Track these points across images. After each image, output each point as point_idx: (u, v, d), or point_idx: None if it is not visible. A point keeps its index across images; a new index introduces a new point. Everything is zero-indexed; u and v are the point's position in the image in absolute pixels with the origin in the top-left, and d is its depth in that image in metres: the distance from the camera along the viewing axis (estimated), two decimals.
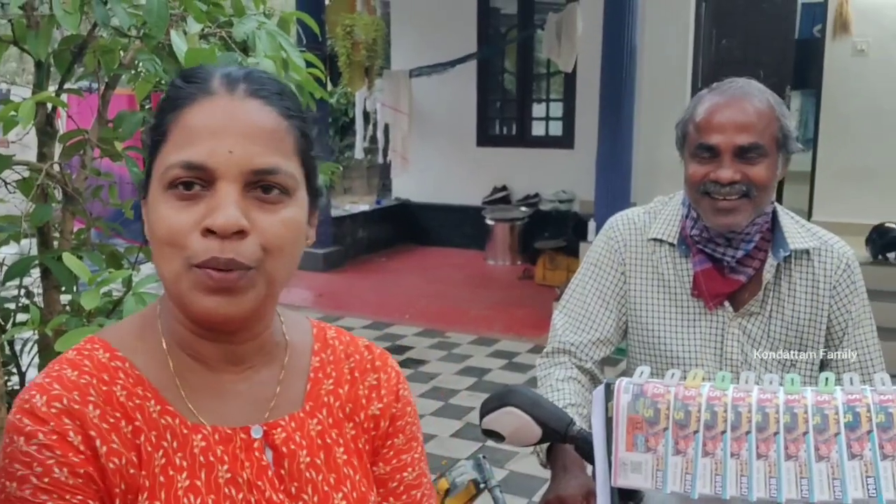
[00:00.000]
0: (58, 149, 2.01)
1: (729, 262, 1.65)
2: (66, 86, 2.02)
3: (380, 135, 8.66)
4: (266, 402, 0.89)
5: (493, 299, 6.93)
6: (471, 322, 6.27)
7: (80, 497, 0.78)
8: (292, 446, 0.87)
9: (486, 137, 8.99)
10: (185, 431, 0.84)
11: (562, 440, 1.34)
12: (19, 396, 0.81)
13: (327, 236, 7.78)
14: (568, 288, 1.83)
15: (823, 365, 1.70)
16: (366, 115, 8.56)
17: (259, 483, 0.84)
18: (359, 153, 8.86)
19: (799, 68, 7.24)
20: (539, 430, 1.33)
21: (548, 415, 1.33)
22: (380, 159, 9.17)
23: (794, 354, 1.67)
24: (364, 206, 9.19)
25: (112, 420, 0.82)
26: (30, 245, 2.14)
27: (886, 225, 5.98)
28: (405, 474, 0.98)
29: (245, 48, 2.13)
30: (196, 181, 0.79)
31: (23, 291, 2.13)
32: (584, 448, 1.30)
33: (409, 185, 9.32)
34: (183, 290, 0.79)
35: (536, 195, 8.59)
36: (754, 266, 1.66)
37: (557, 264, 7.29)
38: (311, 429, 0.89)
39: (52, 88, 1.98)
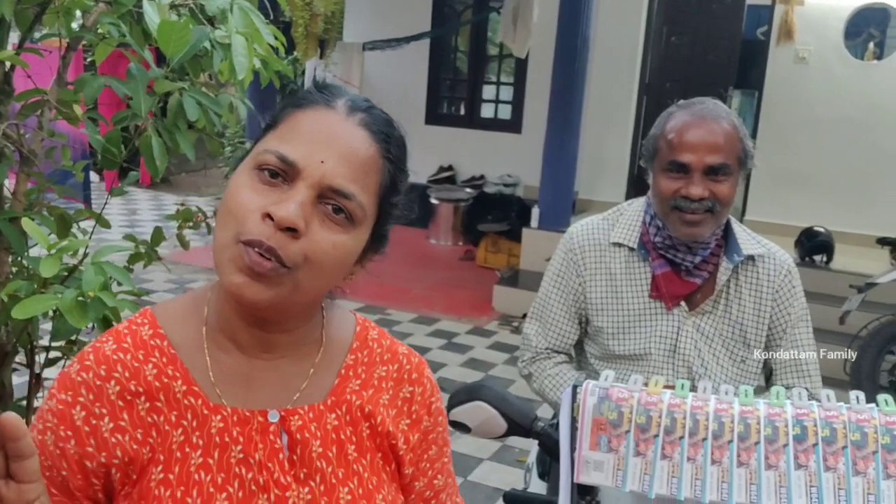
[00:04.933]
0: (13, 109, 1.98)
1: (687, 266, 1.75)
2: (27, 45, 1.99)
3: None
4: (291, 391, 0.92)
5: (434, 279, 6.99)
6: (412, 301, 6.32)
7: (65, 465, 0.85)
8: (307, 435, 0.90)
9: (434, 116, 8.99)
10: (206, 412, 0.88)
11: (525, 435, 1.41)
12: (77, 355, 0.90)
13: None
14: (536, 298, 1.95)
15: (766, 363, 1.83)
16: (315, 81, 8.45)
17: (269, 465, 0.88)
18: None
19: (742, 68, 7.44)
20: (505, 424, 1.39)
21: (514, 410, 1.40)
22: None
23: (741, 351, 1.79)
24: None
25: (129, 398, 0.87)
26: None
27: (815, 229, 6.22)
28: (436, 482, 1.03)
29: (212, 21, 2.12)
30: (281, 173, 0.84)
31: None
32: (548, 444, 1.37)
33: None
34: (223, 259, 0.83)
35: (482, 177, 8.65)
36: (709, 270, 1.78)
37: (499, 248, 7.39)
38: (328, 422, 0.93)
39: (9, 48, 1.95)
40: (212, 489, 0.85)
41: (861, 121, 6.95)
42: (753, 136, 7.47)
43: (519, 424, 1.39)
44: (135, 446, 0.86)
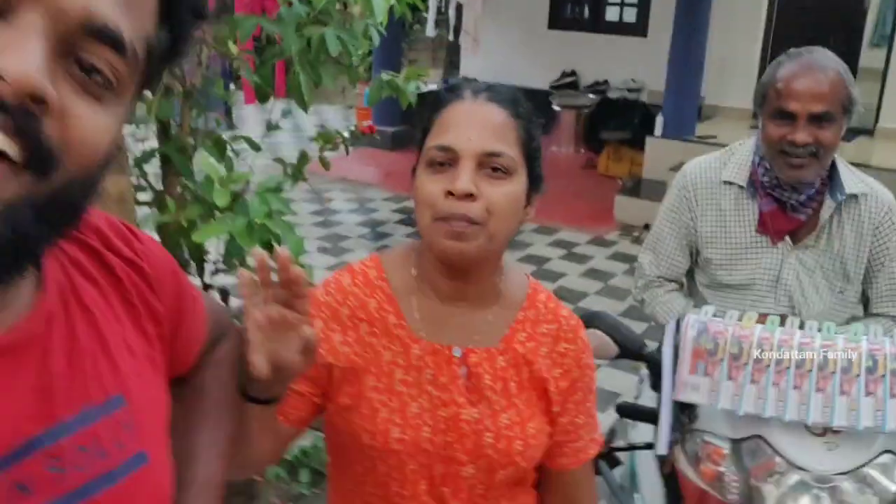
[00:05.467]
0: None
1: (793, 204, 1.90)
2: None
3: (451, 12, 8.67)
4: (472, 334, 1.19)
5: (555, 188, 7.04)
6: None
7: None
8: (480, 370, 1.18)
9: (558, 20, 8.94)
10: (409, 342, 1.17)
11: (635, 358, 1.66)
12: (323, 282, 1.21)
13: (396, 115, 7.98)
14: (651, 231, 2.13)
15: (864, 293, 1.98)
16: None
17: (450, 387, 1.16)
18: (430, 31, 8.90)
19: None
20: (616, 349, 1.64)
21: (624, 337, 1.64)
22: (449, 36, 9.21)
23: (840, 283, 1.95)
24: (432, 85, 9.31)
25: (356, 321, 1.16)
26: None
27: None
28: (578, 419, 1.26)
29: None
30: (446, 161, 1.10)
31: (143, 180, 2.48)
32: (655, 367, 1.62)
33: (477, 65, 9.37)
34: (432, 235, 1.10)
35: (605, 82, 8.61)
36: (813, 207, 1.92)
37: (621, 156, 7.42)
38: (497, 363, 1.19)
39: None
40: (408, 399, 1.15)
41: None
42: (891, 40, 7.10)
43: (629, 349, 1.64)
44: (355, 358, 1.16)
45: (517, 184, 1.12)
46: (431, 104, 1.16)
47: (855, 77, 6.93)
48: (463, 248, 1.09)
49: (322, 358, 1.13)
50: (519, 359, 1.20)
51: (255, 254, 0.92)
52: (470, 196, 1.07)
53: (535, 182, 1.17)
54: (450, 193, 1.07)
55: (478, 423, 1.16)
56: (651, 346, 1.73)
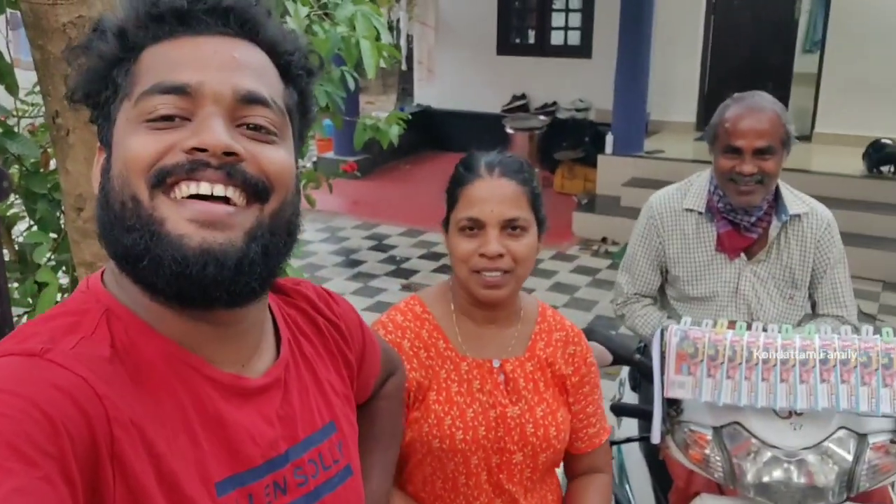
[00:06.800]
0: None
1: (745, 225, 2.22)
2: None
3: (402, 42, 8.96)
4: (504, 347, 1.49)
5: None
6: None
7: None
8: (515, 375, 1.47)
9: (506, 46, 9.31)
10: (458, 360, 1.45)
11: (627, 363, 1.95)
12: (380, 322, 1.47)
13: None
14: (626, 255, 2.43)
15: (811, 297, 2.31)
16: (389, 24, 8.83)
17: (495, 392, 1.44)
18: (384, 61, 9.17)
19: None
20: (611, 357, 1.93)
21: (618, 346, 1.93)
22: (402, 66, 9.49)
23: (790, 290, 2.27)
24: (383, 113, 9.57)
25: (415, 349, 1.44)
26: None
27: (882, 140, 6.40)
28: (589, 409, 1.56)
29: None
30: (475, 226, 1.39)
31: None
32: (643, 370, 1.91)
33: (431, 92, 9.69)
34: (470, 284, 1.41)
35: (554, 104, 8.99)
36: (762, 226, 2.24)
37: (575, 174, 7.79)
38: (526, 368, 1.48)
39: None
40: (464, 406, 1.42)
41: None
42: (822, 46, 7.59)
43: (622, 356, 1.93)
44: (421, 380, 1.43)
45: (532, 235, 1.42)
46: (455, 180, 1.45)
47: (790, 83, 7.49)
48: (498, 294, 1.40)
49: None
50: (542, 362, 1.50)
51: None
52: (501, 256, 1.37)
53: (541, 225, 1.46)
54: (482, 254, 1.37)
55: (520, 417, 1.44)
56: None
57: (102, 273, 0.83)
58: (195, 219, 0.74)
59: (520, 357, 1.49)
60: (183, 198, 0.74)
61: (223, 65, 0.78)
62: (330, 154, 8.74)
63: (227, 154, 0.75)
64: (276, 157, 0.80)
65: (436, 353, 1.45)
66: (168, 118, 0.76)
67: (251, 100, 0.79)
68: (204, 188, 0.74)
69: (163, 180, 0.74)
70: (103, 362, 0.73)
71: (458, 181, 1.44)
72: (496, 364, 1.47)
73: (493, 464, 1.43)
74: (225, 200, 0.76)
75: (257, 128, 0.79)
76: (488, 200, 1.38)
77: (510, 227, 1.38)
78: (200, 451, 0.77)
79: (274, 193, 0.79)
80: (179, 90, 0.76)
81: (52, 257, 1.99)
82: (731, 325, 1.83)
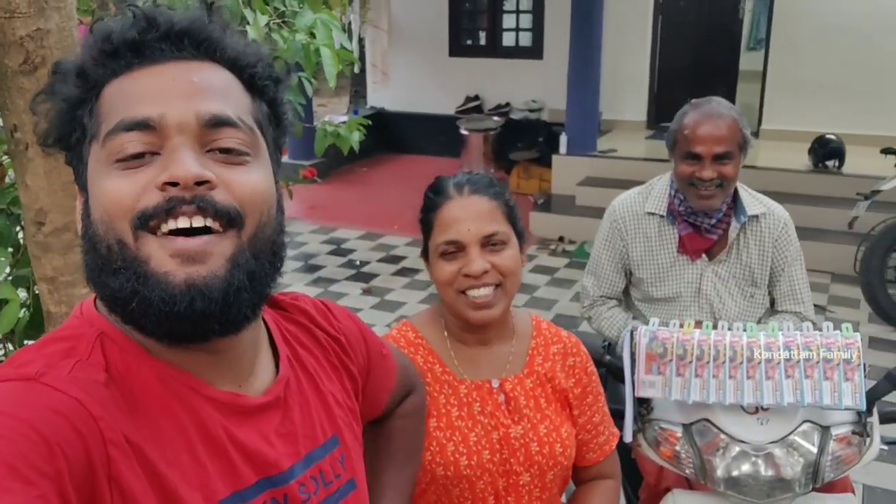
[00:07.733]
0: None
1: (706, 227, 2.28)
2: None
3: (354, 44, 8.94)
4: (501, 366, 1.47)
5: None
6: None
7: None
8: (515, 393, 1.45)
9: (458, 48, 9.34)
10: (456, 384, 1.44)
11: (598, 365, 1.98)
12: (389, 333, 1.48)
13: (311, 148, 8.14)
14: (590, 258, 2.47)
15: (770, 294, 2.38)
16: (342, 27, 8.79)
17: (496, 413, 1.43)
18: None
19: None
20: None
21: (588, 347, 1.96)
22: (354, 69, 9.46)
23: (750, 288, 2.33)
24: (342, 116, 9.55)
25: None
26: None
27: (827, 136, 6.60)
28: (595, 418, 1.56)
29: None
30: (455, 249, 1.37)
31: None
32: (614, 370, 1.95)
33: (385, 95, 9.68)
34: (458, 307, 1.40)
35: (507, 104, 9.05)
36: (722, 228, 2.30)
37: (531, 174, 7.86)
38: (526, 385, 1.47)
39: None
40: (466, 431, 1.41)
41: (868, 28, 7.19)
42: (767, 44, 7.79)
43: (592, 358, 1.96)
44: None
45: (513, 246, 1.42)
46: (427, 207, 1.44)
47: (737, 80, 7.66)
48: (489, 314, 1.38)
49: None
50: (542, 378, 1.49)
51: None
52: (487, 272, 1.36)
53: (521, 237, 1.47)
54: (466, 275, 1.36)
55: (524, 437, 1.42)
56: None
57: (95, 298, 0.83)
58: (177, 254, 0.75)
59: (518, 374, 1.48)
60: (164, 234, 0.75)
61: (183, 92, 0.78)
62: (285, 158, 8.67)
63: (200, 183, 0.75)
64: (247, 181, 0.80)
65: (433, 379, 1.44)
66: (137, 156, 0.76)
67: (217, 123, 0.79)
68: (182, 222, 0.75)
69: (146, 223, 0.75)
70: (99, 385, 0.74)
71: (430, 207, 1.43)
72: (495, 384, 1.45)
73: (500, 487, 1.41)
74: (206, 230, 0.76)
75: (228, 150, 0.79)
76: (463, 220, 1.37)
77: (490, 242, 1.37)
78: (203, 470, 0.78)
79: (248, 218, 0.79)
80: (143, 125, 0.76)
81: (12, 273, 1.95)
82: (699, 325, 1.88)
